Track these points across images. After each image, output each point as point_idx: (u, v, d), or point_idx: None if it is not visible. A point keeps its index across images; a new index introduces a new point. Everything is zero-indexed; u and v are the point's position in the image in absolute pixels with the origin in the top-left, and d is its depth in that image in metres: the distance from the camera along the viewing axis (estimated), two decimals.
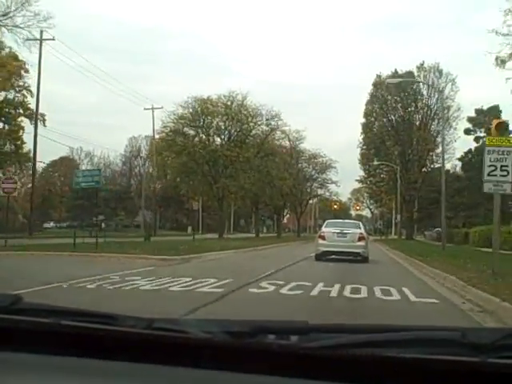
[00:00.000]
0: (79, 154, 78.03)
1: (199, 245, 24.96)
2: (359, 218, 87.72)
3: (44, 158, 64.36)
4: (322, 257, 17.83)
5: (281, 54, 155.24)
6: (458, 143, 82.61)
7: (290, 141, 58.26)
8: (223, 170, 46.14)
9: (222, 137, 48.21)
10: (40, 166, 57.65)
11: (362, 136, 57.76)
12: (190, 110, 45.91)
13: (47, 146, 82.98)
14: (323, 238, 18.24)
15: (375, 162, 53.22)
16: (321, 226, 22.07)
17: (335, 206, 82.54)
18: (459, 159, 56.50)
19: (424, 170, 54.45)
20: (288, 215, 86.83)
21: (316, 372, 1.11)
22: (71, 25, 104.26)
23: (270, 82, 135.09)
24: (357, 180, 63.11)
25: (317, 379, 1.10)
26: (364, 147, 58.08)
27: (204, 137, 47.17)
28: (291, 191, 58.79)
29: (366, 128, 56.06)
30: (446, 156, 42.55)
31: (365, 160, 57.79)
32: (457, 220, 53.39)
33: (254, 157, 46.53)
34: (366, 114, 56.02)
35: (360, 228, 19.42)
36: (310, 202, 79.32)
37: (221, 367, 1.09)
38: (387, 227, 62.96)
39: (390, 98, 53.93)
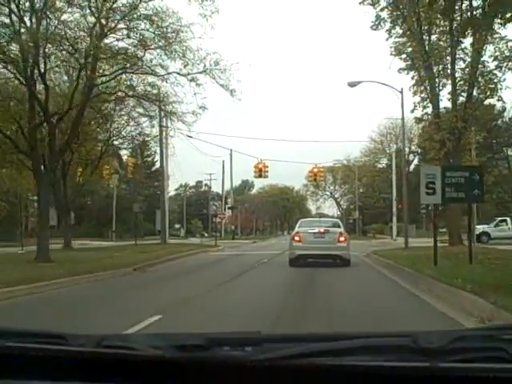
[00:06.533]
0: None
1: None
2: (322, 215, 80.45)
3: None
4: (296, 262, 15.25)
5: None
6: None
7: None
8: None
9: None
10: None
11: None
12: None
13: None
14: (298, 239, 15.72)
15: None
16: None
17: (260, 166, 37.71)
18: None
19: None
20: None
21: (268, 383, 1.10)
22: None
23: None
24: None
25: None
26: None
27: None
28: None
29: None
30: None
31: None
32: None
33: None
34: None
35: (339, 226, 17.29)
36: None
37: (170, 383, 1.07)
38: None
39: None
